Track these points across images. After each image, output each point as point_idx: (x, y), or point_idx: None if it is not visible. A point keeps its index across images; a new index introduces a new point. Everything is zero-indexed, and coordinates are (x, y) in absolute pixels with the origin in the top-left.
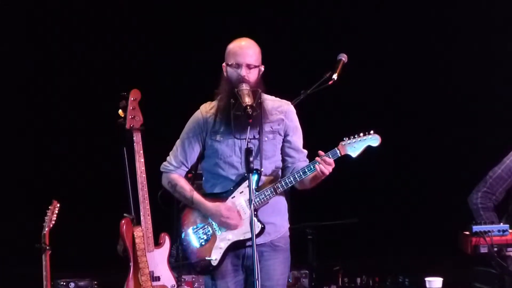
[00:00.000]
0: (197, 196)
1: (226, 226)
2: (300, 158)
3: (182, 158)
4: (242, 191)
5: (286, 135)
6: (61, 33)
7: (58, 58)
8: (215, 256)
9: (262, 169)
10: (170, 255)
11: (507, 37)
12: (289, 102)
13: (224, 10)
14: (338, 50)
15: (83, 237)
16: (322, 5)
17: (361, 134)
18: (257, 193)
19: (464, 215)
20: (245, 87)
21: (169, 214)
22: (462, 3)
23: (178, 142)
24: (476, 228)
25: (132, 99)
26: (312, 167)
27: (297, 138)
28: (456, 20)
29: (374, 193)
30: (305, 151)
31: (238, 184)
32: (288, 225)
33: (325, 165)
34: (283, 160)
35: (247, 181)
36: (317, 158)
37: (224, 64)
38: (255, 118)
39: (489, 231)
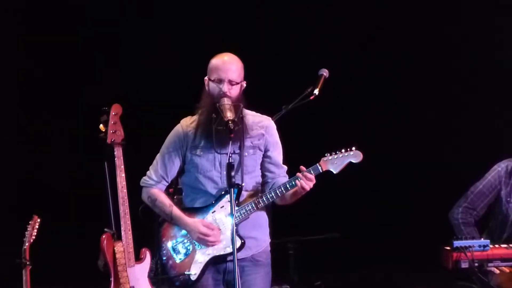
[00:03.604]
0: (176, 211)
1: (203, 243)
2: (280, 173)
3: (162, 172)
4: (223, 206)
5: (266, 150)
6: (43, 46)
7: (39, 72)
8: (194, 271)
9: (243, 184)
10: (150, 270)
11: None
12: (270, 118)
13: (206, 25)
14: (320, 65)
15: (63, 252)
16: (304, 20)
17: (343, 150)
18: (237, 208)
19: (446, 230)
20: (226, 102)
21: (150, 229)
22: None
23: (158, 156)
24: (457, 243)
25: (113, 113)
26: (293, 182)
27: (277, 153)
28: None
29: (355, 208)
30: (285, 167)
31: (218, 198)
32: (269, 240)
33: (306, 181)
34: (263, 176)
35: (227, 196)
36: (298, 174)
37: (206, 78)
38: (236, 133)
39: (470, 246)
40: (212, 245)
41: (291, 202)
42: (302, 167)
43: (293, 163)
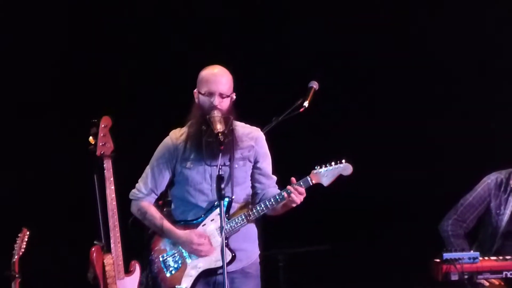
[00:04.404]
0: (167, 224)
1: (197, 253)
2: (270, 184)
3: (152, 185)
4: (213, 219)
5: (256, 161)
6: (32, 59)
7: (29, 86)
8: (185, 284)
9: (233, 196)
10: (140, 283)
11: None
12: (259, 129)
13: (196, 37)
14: (310, 77)
15: (53, 265)
16: (293, 32)
17: (333, 163)
18: (228, 220)
19: (437, 242)
20: (216, 114)
21: (140, 241)
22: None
23: (147, 169)
24: (446, 255)
25: (102, 126)
26: (283, 194)
27: (266, 164)
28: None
29: (345, 220)
30: (275, 177)
31: (209, 211)
32: (259, 252)
33: (297, 194)
34: (253, 187)
35: (218, 209)
36: (288, 187)
37: (195, 91)
38: (226, 145)
39: (459, 259)
40: (205, 256)
41: (282, 212)
42: (293, 179)
43: (283, 175)
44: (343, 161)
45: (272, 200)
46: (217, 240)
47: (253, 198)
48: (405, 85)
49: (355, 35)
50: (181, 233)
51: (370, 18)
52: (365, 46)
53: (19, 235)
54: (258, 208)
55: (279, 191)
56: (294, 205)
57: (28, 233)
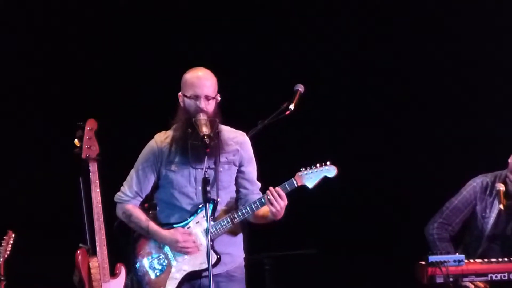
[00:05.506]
0: (152, 225)
1: (184, 252)
2: (253, 190)
3: (137, 188)
4: (198, 221)
5: (240, 165)
6: (16, 60)
7: (14, 87)
8: (170, 287)
9: (218, 199)
10: (125, 286)
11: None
12: (244, 133)
13: (179, 40)
14: (295, 80)
15: (38, 268)
16: (279, 35)
17: (318, 165)
18: (213, 223)
19: (422, 245)
20: (202, 117)
21: (125, 244)
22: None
23: (132, 172)
24: (432, 258)
25: (88, 128)
26: (268, 197)
27: (251, 169)
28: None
29: (332, 223)
30: (259, 184)
31: (193, 214)
32: (244, 255)
33: (276, 195)
34: (237, 191)
35: (203, 212)
36: (270, 188)
37: (180, 94)
38: (212, 148)
39: (445, 261)
40: (192, 254)
41: (264, 222)
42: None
43: (268, 179)
44: (328, 163)
45: (257, 202)
46: (202, 242)
47: (236, 204)
48: (394, 86)
49: (344, 37)
50: (166, 233)
51: (349, 21)
52: (353, 46)
53: (4, 237)
54: (243, 210)
55: None
56: (274, 210)
57: (13, 235)
